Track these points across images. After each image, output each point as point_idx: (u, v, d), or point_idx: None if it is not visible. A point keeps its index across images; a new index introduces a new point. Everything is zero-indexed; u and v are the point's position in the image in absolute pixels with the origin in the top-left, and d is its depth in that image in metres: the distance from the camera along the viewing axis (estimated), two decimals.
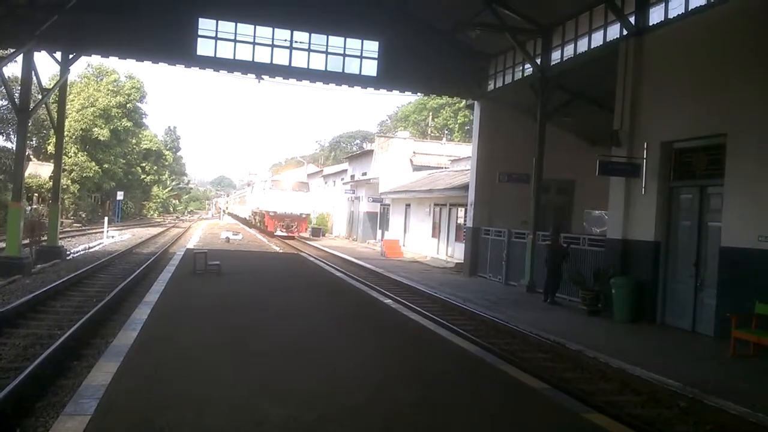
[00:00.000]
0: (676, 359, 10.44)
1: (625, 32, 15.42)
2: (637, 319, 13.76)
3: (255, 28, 21.62)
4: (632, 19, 15.11)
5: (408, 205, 38.23)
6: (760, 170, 11.32)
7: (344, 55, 22.36)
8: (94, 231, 39.53)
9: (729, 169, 12.04)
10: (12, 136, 44.91)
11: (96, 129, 56.12)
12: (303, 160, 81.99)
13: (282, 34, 21.85)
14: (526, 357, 10.64)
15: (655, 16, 14.70)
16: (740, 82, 11.98)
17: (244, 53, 21.68)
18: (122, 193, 57.59)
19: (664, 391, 8.60)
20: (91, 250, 27.54)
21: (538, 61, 19.56)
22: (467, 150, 34.62)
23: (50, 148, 47.34)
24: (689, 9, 13.60)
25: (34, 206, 38.97)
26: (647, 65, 14.59)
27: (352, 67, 22.48)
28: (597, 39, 17.26)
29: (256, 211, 51.77)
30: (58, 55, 21.58)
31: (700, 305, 12.75)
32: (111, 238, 35.03)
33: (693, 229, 13.20)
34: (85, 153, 56.26)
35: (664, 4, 14.41)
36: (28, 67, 20.39)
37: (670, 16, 14.19)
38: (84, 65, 60.93)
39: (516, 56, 21.38)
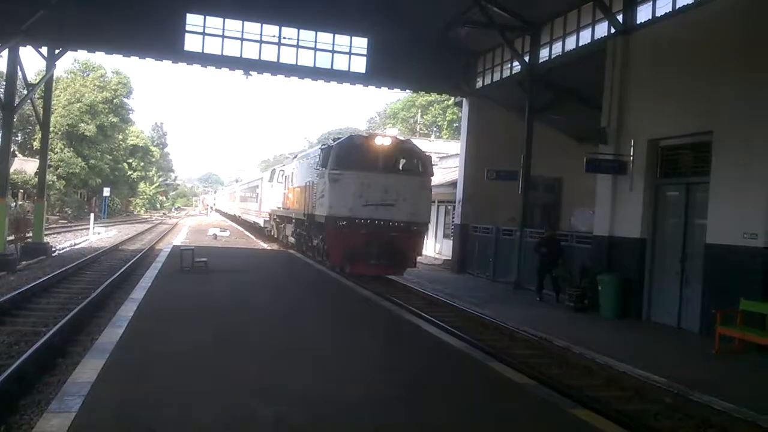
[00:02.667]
0: (662, 355, 10.51)
1: (612, 30, 15.50)
2: (624, 315, 13.84)
3: (243, 23, 21.58)
4: (620, 18, 15.19)
5: None
6: (745, 168, 11.40)
7: (333, 52, 22.34)
8: (79, 227, 39.28)
9: (715, 166, 12.12)
10: None
11: (82, 124, 55.79)
12: (291, 155, 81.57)
13: (270, 30, 21.81)
14: (513, 353, 10.66)
15: (643, 14, 14.78)
16: (726, 80, 12.05)
17: (232, 49, 21.64)
18: (108, 189, 57.23)
19: (650, 387, 8.66)
20: (76, 246, 27.35)
21: (527, 58, 19.62)
22: (456, 147, 34.67)
23: (36, 144, 47.01)
24: (676, 8, 13.68)
25: (20, 202, 38.66)
26: (634, 63, 14.66)
27: (341, 63, 22.48)
28: (585, 37, 17.34)
29: (286, 215, 25.78)
30: (44, 50, 21.40)
31: (685, 302, 12.82)
32: (97, 234, 34.79)
33: (679, 226, 13.28)
34: (71, 149, 55.89)
35: (651, 2, 14.49)
36: (14, 62, 20.25)
37: (658, 14, 14.28)
38: (70, 60, 60.63)
39: (504, 54, 21.41)
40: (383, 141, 18.62)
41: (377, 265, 17.85)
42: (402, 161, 19.20)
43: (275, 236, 30.12)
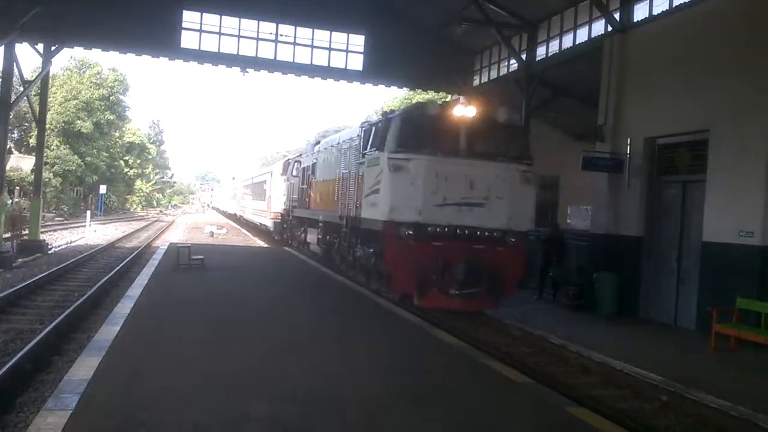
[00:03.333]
0: (658, 353, 10.52)
1: (609, 28, 15.51)
2: (620, 313, 13.85)
3: (240, 20, 21.54)
4: (617, 16, 15.20)
5: None
6: (741, 166, 11.42)
7: (330, 49, 22.32)
8: (76, 225, 39.16)
9: (711, 164, 12.14)
10: None
11: (78, 122, 55.62)
12: (289, 154, 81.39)
13: (267, 27, 21.78)
14: (509, 351, 10.68)
15: (640, 13, 14.80)
16: (723, 78, 12.06)
17: (228, 46, 21.61)
18: (105, 186, 57.05)
19: (646, 385, 8.68)
20: (73, 244, 27.28)
21: (524, 56, 19.62)
22: None
23: (32, 141, 46.81)
24: (673, 6, 13.69)
25: (16, 200, 38.54)
26: (631, 61, 14.66)
27: (338, 61, 22.46)
28: (582, 35, 17.36)
29: (308, 216, 20.39)
30: (40, 47, 21.34)
31: (682, 300, 12.86)
32: (93, 231, 34.72)
33: (675, 224, 13.31)
34: (68, 146, 55.73)
35: (648, 1, 14.50)
36: (10, 59, 20.20)
37: (654, 12, 14.29)
38: (67, 57, 60.33)
39: (501, 52, 21.43)
40: (466, 112, 12.66)
41: (462, 295, 11.99)
42: (494, 142, 13.04)
43: (289, 242, 25.25)
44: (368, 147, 13.49)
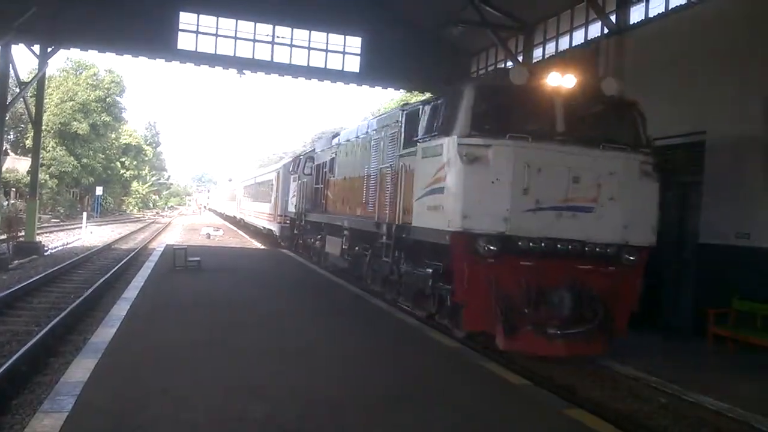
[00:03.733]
0: (655, 355, 10.51)
1: (606, 31, 15.54)
2: None
3: (236, 22, 21.56)
4: (613, 18, 15.24)
5: None
6: (737, 168, 11.46)
7: (327, 51, 22.35)
8: (72, 226, 39.09)
9: (708, 166, 12.17)
10: None
11: (75, 123, 55.67)
12: (285, 155, 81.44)
13: (264, 29, 21.81)
14: (506, 353, 10.64)
15: (636, 15, 14.86)
16: (719, 80, 12.10)
17: (225, 48, 21.65)
18: (101, 188, 57.00)
19: (644, 387, 8.68)
20: (69, 245, 27.23)
21: (520, 58, 19.65)
22: None
23: (28, 143, 46.71)
24: (669, 8, 13.74)
25: (12, 201, 38.48)
26: (627, 64, 14.69)
27: (335, 63, 22.48)
28: (578, 37, 17.40)
29: (329, 221, 16.92)
30: (36, 48, 21.32)
31: (678, 301, 12.86)
32: (90, 233, 34.65)
33: (672, 225, 13.28)
34: (64, 147, 55.71)
35: (644, 3, 14.55)
36: (6, 60, 20.20)
37: (651, 15, 14.33)
38: (63, 59, 60.31)
39: (498, 54, 21.45)
40: (563, 82, 9.36)
41: (565, 336, 8.72)
42: (602, 122, 10.17)
43: (300, 250, 22.45)
44: (420, 132, 10.24)
